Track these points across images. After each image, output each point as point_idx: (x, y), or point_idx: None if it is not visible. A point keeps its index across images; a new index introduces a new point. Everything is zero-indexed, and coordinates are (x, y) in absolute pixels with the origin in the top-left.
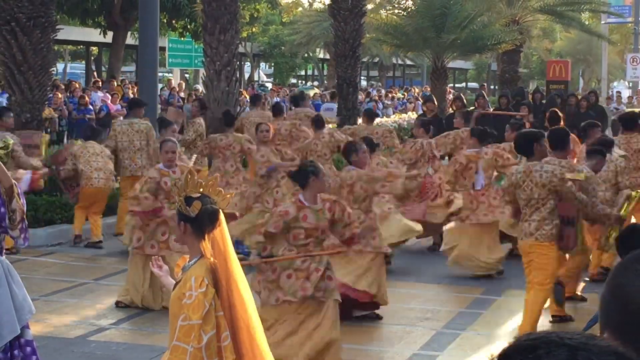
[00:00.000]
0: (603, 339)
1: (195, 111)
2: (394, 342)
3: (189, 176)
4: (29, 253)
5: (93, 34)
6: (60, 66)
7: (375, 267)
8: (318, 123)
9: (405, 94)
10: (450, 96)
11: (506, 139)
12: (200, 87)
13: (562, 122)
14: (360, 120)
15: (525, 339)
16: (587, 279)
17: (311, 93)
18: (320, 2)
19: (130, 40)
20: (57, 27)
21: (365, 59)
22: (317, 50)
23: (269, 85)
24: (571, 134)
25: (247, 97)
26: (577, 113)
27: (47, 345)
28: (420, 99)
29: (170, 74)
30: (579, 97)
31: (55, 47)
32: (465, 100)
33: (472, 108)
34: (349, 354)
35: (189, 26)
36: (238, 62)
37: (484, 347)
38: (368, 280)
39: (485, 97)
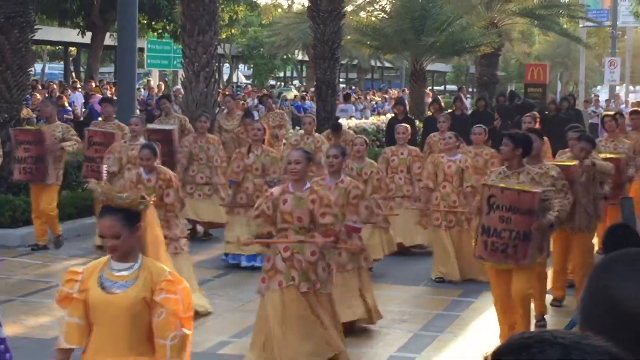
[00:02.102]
0: (597, 339)
1: (167, 108)
2: (371, 343)
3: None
4: (6, 254)
5: (72, 34)
6: (38, 66)
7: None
8: (336, 127)
9: (385, 96)
10: (429, 99)
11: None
12: (179, 88)
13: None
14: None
15: (519, 337)
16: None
17: (290, 95)
18: (300, 4)
19: (109, 41)
20: (36, 27)
21: (344, 61)
22: (296, 52)
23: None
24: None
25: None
26: (554, 117)
27: (23, 346)
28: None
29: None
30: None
31: (34, 47)
32: (442, 103)
33: (450, 110)
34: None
35: (168, 27)
36: (217, 64)
37: (461, 349)
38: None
39: (463, 99)
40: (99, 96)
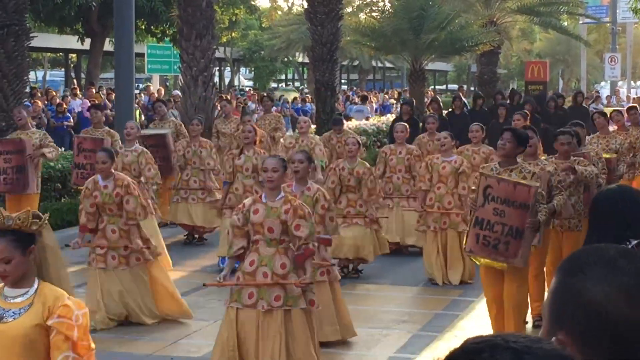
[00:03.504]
0: (548, 342)
1: (162, 112)
2: (370, 345)
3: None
4: None
5: (71, 41)
6: (40, 74)
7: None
8: (336, 121)
9: (386, 96)
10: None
11: None
12: (178, 93)
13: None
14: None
15: (472, 342)
16: None
17: (290, 97)
18: (299, 5)
19: (108, 46)
20: (32, 34)
21: (344, 62)
22: (297, 54)
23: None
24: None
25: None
26: (554, 114)
27: None
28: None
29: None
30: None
31: (34, 55)
32: (441, 103)
33: (449, 110)
34: (324, 358)
35: (167, 31)
36: (216, 68)
37: None
38: None
39: (462, 98)
40: (87, 102)
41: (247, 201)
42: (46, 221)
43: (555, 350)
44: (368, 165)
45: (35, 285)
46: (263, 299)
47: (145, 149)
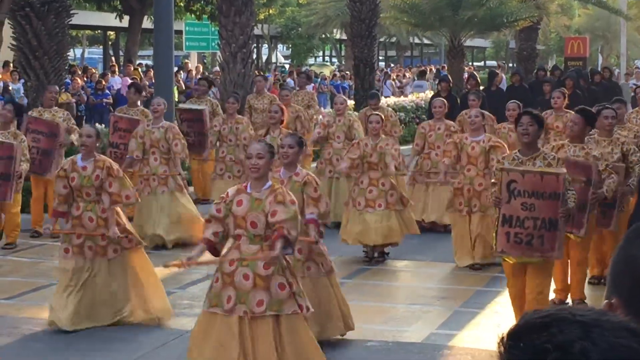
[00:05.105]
0: (615, 315)
1: (202, 90)
2: (411, 321)
3: None
4: (47, 239)
5: (110, 19)
6: (78, 51)
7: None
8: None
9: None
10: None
11: None
12: (218, 70)
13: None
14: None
15: (536, 316)
16: None
17: (327, 71)
18: None
19: (147, 24)
20: (72, 11)
21: (382, 39)
22: (335, 31)
23: (287, 67)
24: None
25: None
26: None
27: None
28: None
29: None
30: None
31: (73, 32)
32: (479, 79)
33: (482, 88)
34: (366, 334)
35: (205, 8)
36: (254, 44)
37: (502, 325)
38: None
39: (500, 74)
40: (127, 79)
41: (231, 190)
42: None
43: (623, 323)
44: (391, 140)
45: None
46: (244, 304)
47: (171, 124)
